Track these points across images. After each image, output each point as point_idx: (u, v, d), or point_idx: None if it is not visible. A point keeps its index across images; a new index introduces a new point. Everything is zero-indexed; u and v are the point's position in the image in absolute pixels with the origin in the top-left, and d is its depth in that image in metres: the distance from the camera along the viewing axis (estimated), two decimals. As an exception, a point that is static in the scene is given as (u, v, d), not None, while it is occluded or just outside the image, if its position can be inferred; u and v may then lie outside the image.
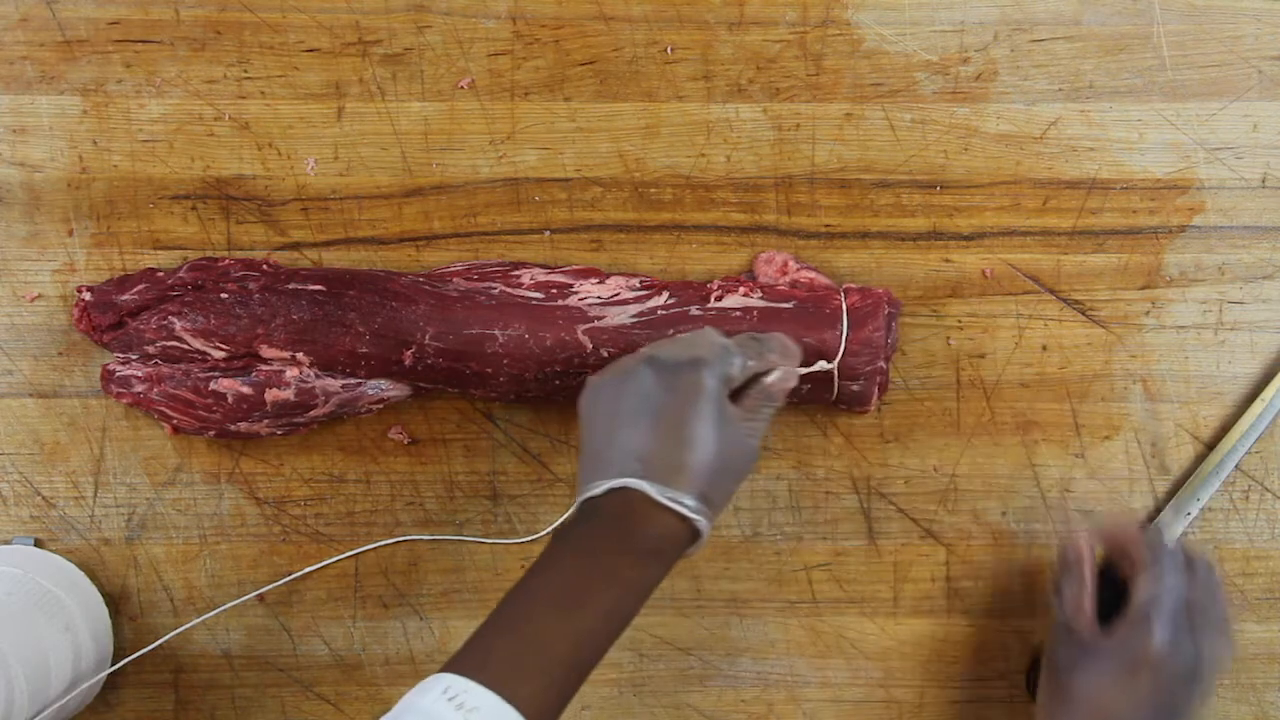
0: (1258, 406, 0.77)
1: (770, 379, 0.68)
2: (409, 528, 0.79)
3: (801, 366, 0.71)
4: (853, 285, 0.76)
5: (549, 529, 0.79)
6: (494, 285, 0.75)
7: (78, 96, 0.77)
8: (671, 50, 0.77)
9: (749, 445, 0.67)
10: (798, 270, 0.76)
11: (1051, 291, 0.78)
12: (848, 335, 0.73)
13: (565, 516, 0.65)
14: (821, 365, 0.72)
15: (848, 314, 0.73)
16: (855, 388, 0.74)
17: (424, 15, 0.77)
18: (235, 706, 0.79)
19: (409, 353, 0.73)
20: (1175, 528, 0.77)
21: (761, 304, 0.74)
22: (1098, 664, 0.66)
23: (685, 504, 0.62)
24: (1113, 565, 0.70)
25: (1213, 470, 0.77)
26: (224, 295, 0.73)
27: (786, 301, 0.74)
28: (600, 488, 0.63)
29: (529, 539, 0.79)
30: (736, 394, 0.67)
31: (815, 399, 0.75)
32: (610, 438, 0.65)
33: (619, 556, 0.61)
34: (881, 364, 0.74)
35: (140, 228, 0.77)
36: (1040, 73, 0.78)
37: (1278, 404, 0.76)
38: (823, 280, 0.76)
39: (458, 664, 0.58)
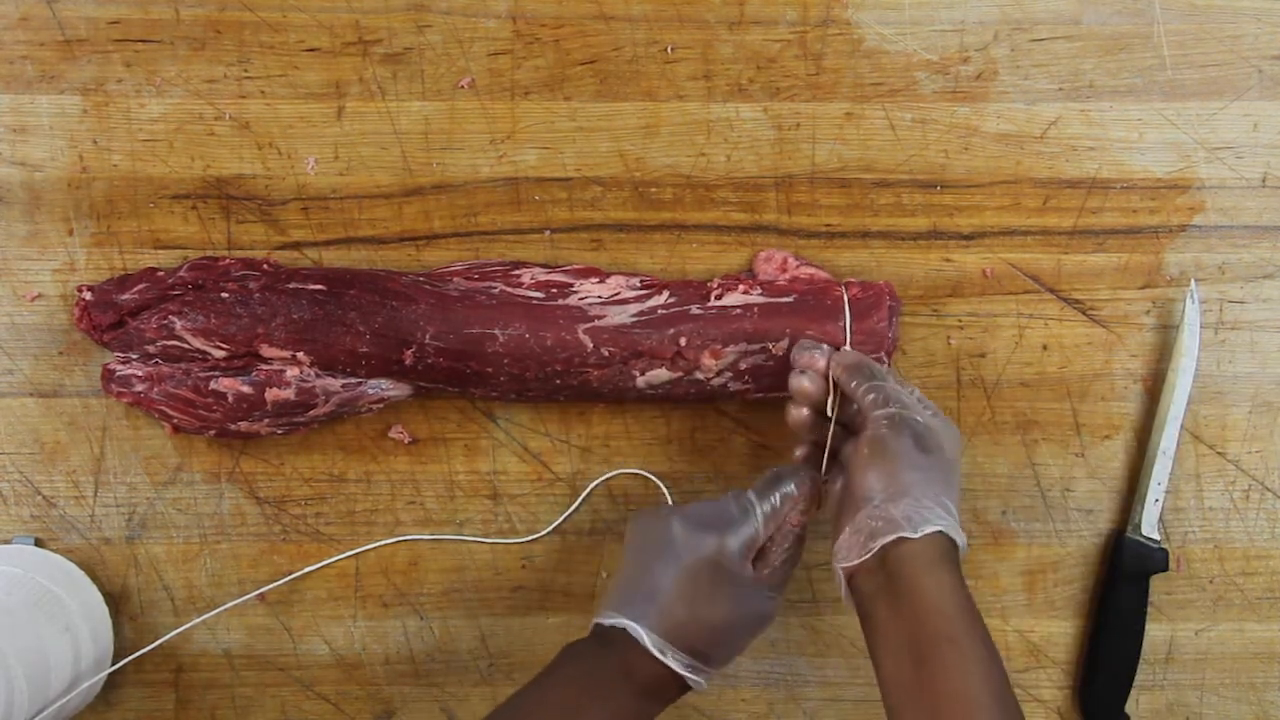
0: (1173, 377, 0.77)
1: (789, 518, 0.69)
2: (409, 527, 0.79)
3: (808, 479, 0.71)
4: (853, 279, 0.76)
5: (549, 528, 0.79)
6: (494, 285, 0.75)
7: (78, 96, 0.77)
8: (672, 50, 0.77)
9: (763, 609, 0.68)
10: (797, 267, 0.76)
11: (1052, 291, 0.78)
12: (852, 326, 0.73)
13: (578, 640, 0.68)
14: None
15: (850, 306, 0.73)
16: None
17: (424, 15, 0.77)
18: (235, 706, 0.79)
19: (409, 352, 0.73)
20: (1150, 516, 0.77)
21: (762, 300, 0.74)
22: (860, 459, 0.67)
23: (678, 660, 0.65)
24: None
25: (1160, 449, 0.77)
26: (224, 295, 0.73)
27: (787, 296, 0.74)
28: (609, 620, 0.66)
29: (529, 539, 0.79)
30: (763, 549, 0.69)
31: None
32: (633, 577, 0.68)
33: (618, 684, 0.65)
34: (884, 357, 0.74)
35: (140, 227, 0.77)
36: (1040, 72, 0.78)
37: (1191, 367, 0.76)
38: (823, 275, 0.76)
39: None
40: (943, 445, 0.66)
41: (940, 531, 0.63)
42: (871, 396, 0.68)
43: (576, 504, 0.78)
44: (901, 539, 0.63)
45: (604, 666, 0.65)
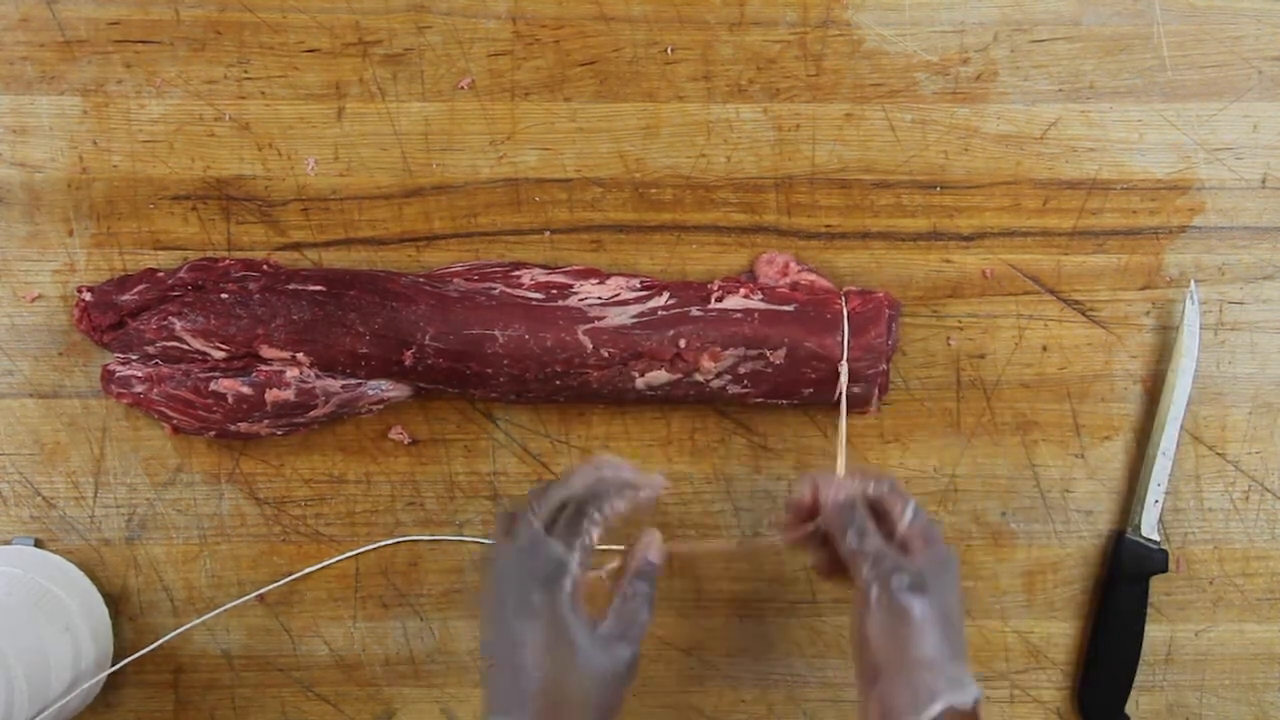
0: (1172, 378, 0.77)
1: (634, 560, 0.65)
2: (409, 528, 0.79)
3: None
4: (853, 289, 0.76)
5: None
6: (494, 285, 0.75)
7: (78, 96, 0.77)
8: (672, 50, 0.77)
9: (608, 655, 0.62)
10: (798, 272, 0.76)
11: (1052, 292, 0.78)
12: (850, 341, 0.73)
13: None
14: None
15: (849, 319, 0.73)
16: (856, 390, 0.74)
17: (424, 15, 0.77)
18: (235, 706, 0.79)
19: (409, 353, 0.73)
20: (1150, 517, 0.77)
21: (762, 306, 0.74)
22: (860, 616, 0.65)
23: None
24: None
25: (1160, 449, 0.77)
26: (224, 295, 0.73)
27: (787, 304, 0.74)
28: None
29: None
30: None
31: (816, 400, 0.75)
32: (493, 678, 0.63)
33: None
34: (883, 366, 0.74)
35: (140, 228, 0.77)
36: (1040, 73, 0.78)
37: (1190, 368, 0.76)
38: (823, 283, 0.76)
39: None
40: (933, 598, 0.64)
41: (948, 707, 0.62)
42: (854, 560, 0.65)
43: None
44: None
45: None
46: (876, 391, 0.75)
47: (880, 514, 0.67)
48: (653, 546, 0.67)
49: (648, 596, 0.65)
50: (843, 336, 0.73)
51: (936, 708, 0.62)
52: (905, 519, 0.67)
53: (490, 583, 0.64)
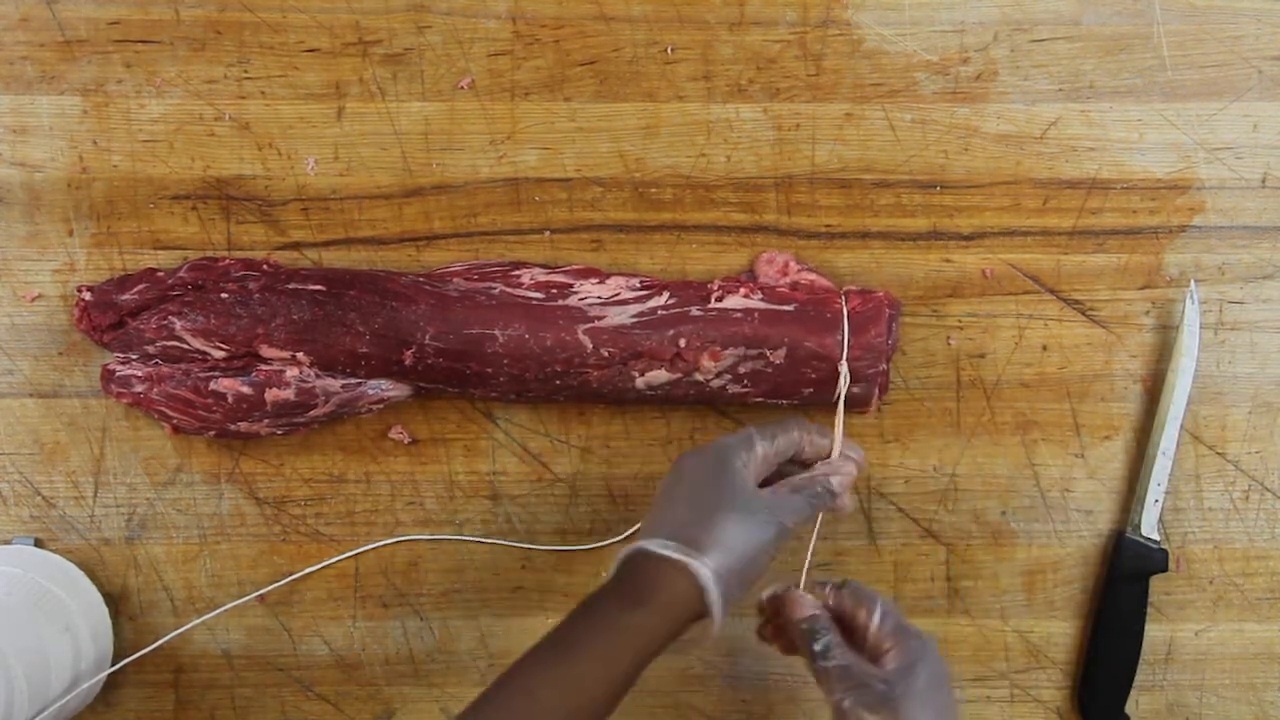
0: (1172, 378, 0.77)
1: (817, 474, 0.69)
2: (409, 528, 0.79)
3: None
4: (853, 288, 0.76)
5: (548, 548, 0.79)
6: (494, 285, 0.75)
7: (78, 96, 0.77)
8: (671, 50, 0.77)
9: (765, 526, 0.65)
10: (798, 271, 0.76)
11: (1052, 291, 0.78)
12: (850, 340, 0.73)
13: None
14: (841, 382, 0.73)
15: (849, 318, 0.73)
16: (856, 389, 0.74)
17: (424, 15, 0.77)
18: (235, 706, 0.79)
19: (409, 353, 0.73)
20: (1150, 516, 0.77)
21: (762, 305, 0.74)
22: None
23: (687, 553, 0.62)
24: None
25: (1159, 449, 0.77)
26: (224, 295, 0.73)
27: (787, 304, 0.74)
28: (618, 558, 0.65)
29: (570, 548, 0.79)
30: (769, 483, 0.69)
31: (816, 400, 0.75)
32: (644, 519, 0.68)
33: (617, 608, 0.62)
34: (883, 365, 0.74)
35: (140, 228, 0.77)
36: (1040, 73, 0.78)
37: (1190, 368, 0.76)
38: (823, 282, 0.76)
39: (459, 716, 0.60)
40: (898, 694, 0.63)
41: None
42: (822, 679, 0.65)
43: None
44: None
45: (604, 596, 0.63)
46: (876, 391, 0.75)
47: (848, 619, 0.68)
48: (834, 490, 0.70)
49: (802, 509, 0.68)
50: (843, 336, 0.73)
51: None
52: (874, 622, 0.67)
53: (683, 457, 0.69)
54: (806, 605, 0.68)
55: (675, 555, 0.62)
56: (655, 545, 0.63)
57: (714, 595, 0.62)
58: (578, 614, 0.63)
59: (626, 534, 0.78)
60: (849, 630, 0.67)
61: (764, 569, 0.66)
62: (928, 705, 0.64)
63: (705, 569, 0.62)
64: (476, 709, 0.60)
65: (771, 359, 0.73)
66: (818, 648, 0.66)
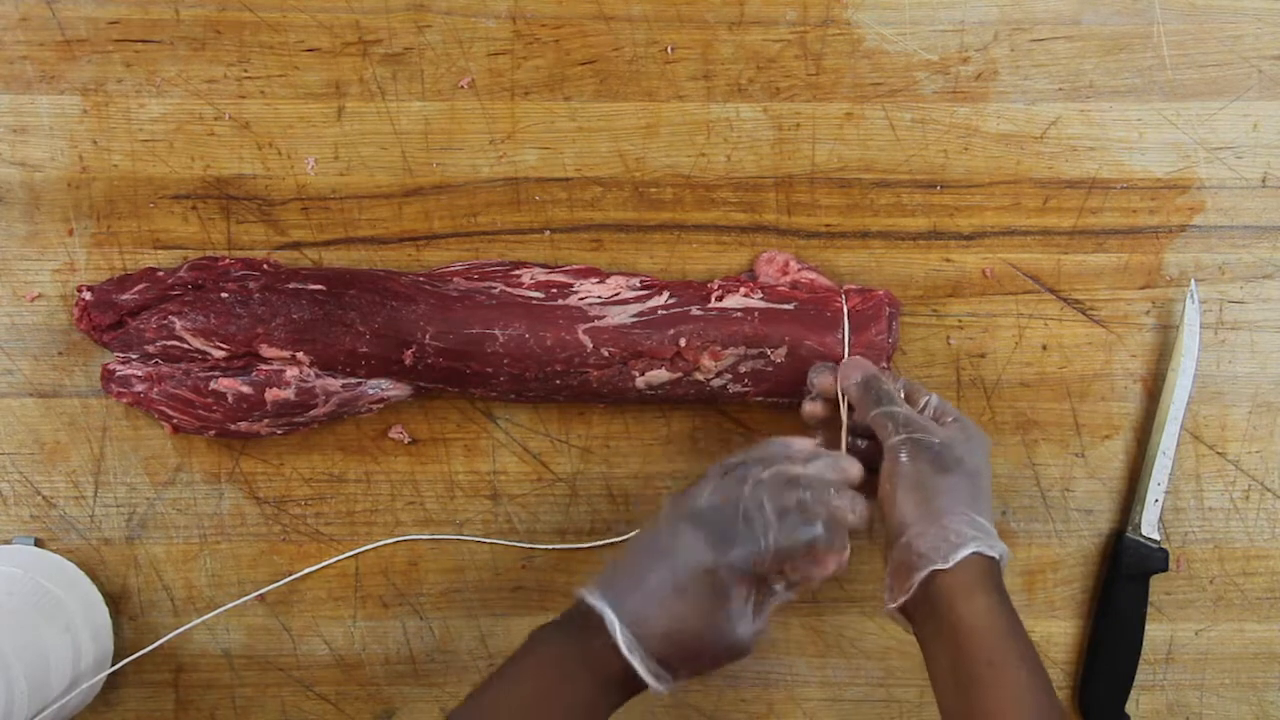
0: (1172, 378, 0.77)
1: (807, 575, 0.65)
2: (409, 528, 0.79)
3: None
4: (853, 287, 0.76)
5: (549, 547, 0.79)
6: (494, 285, 0.75)
7: (78, 96, 0.77)
8: (671, 50, 0.77)
9: (743, 639, 0.63)
10: (799, 271, 0.76)
11: (1052, 291, 0.78)
12: (850, 340, 0.73)
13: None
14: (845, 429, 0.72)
15: (849, 317, 0.73)
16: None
17: (424, 15, 0.77)
18: (235, 706, 0.79)
19: (409, 352, 0.73)
20: (1150, 516, 0.77)
21: (762, 304, 0.74)
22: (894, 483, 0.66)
23: (644, 664, 0.61)
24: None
25: (1160, 449, 0.77)
26: (224, 295, 0.73)
27: (788, 303, 0.74)
28: (591, 598, 0.63)
29: (550, 548, 0.79)
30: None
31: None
32: (629, 563, 0.64)
33: (580, 673, 0.62)
34: (884, 364, 0.74)
35: (140, 227, 0.77)
36: (1040, 72, 0.78)
37: (1190, 368, 0.76)
38: (823, 281, 0.76)
39: None
40: (962, 458, 0.66)
41: (974, 553, 0.63)
42: (883, 423, 0.67)
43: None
44: (936, 571, 0.63)
45: (569, 655, 0.62)
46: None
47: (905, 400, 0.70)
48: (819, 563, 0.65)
49: (793, 594, 0.65)
50: (843, 334, 0.73)
51: (965, 551, 0.63)
52: (933, 402, 0.70)
53: (682, 515, 0.64)
54: (865, 366, 0.70)
55: (642, 673, 0.61)
56: (626, 646, 0.61)
57: (663, 693, 0.62)
58: (547, 662, 0.63)
59: (626, 536, 0.78)
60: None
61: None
62: (982, 472, 0.67)
63: (663, 688, 0.62)
64: None
65: (772, 358, 0.73)
66: (884, 394, 0.68)
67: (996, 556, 0.64)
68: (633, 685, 0.63)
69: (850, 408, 0.71)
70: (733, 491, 0.64)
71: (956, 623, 0.62)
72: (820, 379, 0.72)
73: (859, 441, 0.72)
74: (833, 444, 0.71)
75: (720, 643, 0.63)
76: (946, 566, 0.63)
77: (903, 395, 0.70)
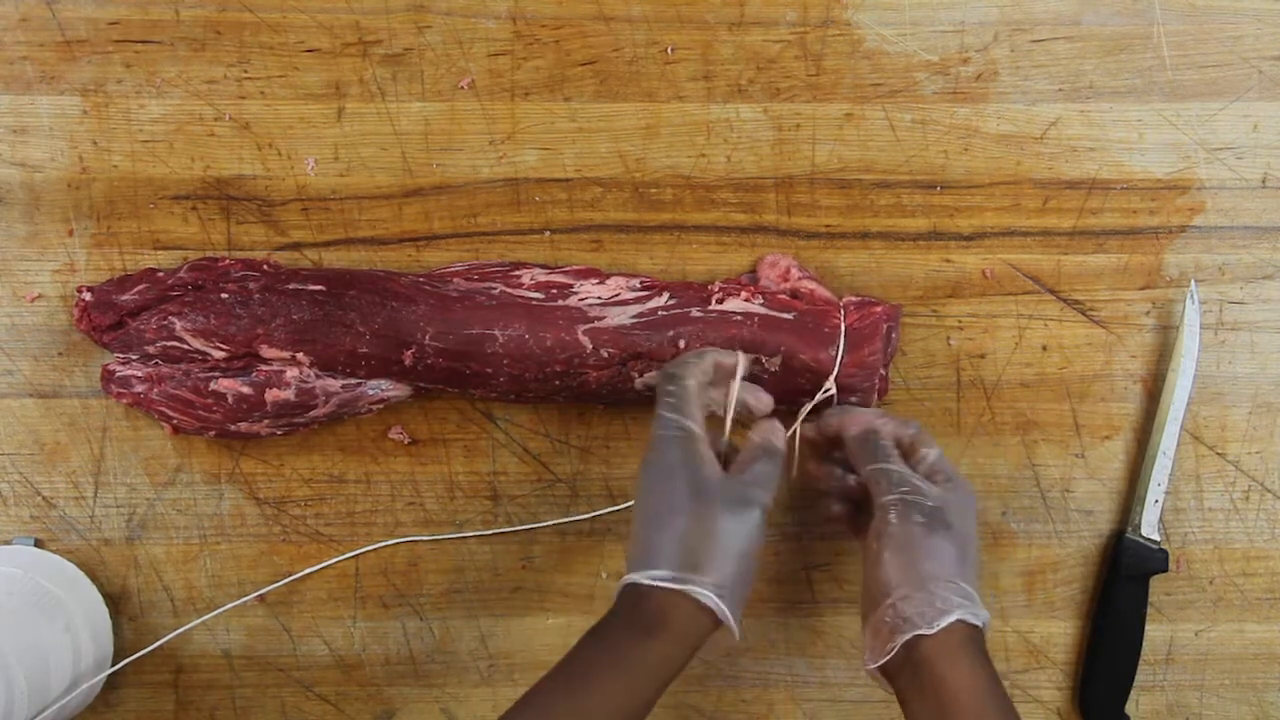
0: (1172, 378, 0.77)
1: (756, 437, 0.69)
2: (409, 528, 0.79)
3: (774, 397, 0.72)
4: (852, 299, 0.75)
5: (549, 523, 0.79)
6: (494, 285, 0.75)
7: (78, 96, 0.77)
8: (671, 50, 0.77)
9: (749, 512, 0.65)
10: (799, 279, 0.76)
11: (1052, 291, 0.78)
12: (844, 358, 0.73)
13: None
14: (823, 393, 0.73)
15: (846, 335, 0.73)
16: (854, 399, 0.74)
17: (424, 15, 0.77)
18: (235, 706, 0.79)
19: (409, 353, 0.73)
20: (1150, 517, 0.77)
21: (762, 310, 0.74)
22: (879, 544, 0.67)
23: (682, 580, 0.63)
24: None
25: (1160, 449, 0.77)
26: (224, 295, 0.73)
27: (787, 312, 0.74)
28: (616, 589, 0.65)
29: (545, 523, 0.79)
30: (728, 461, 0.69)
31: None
32: (629, 541, 0.67)
33: (627, 640, 0.63)
34: (881, 372, 0.74)
35: (140, 228, 0.77)
36: (1040, 73, 0.78)
37: (1190, 368, 0.76)
38: (823, 293, 0.76)
39: None
40: (953, 524, 0.66)
41: (959, 620, 0.63)
42: (877, 480, 0.68)
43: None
44: (920, 635, 0.63)
45: (614, 628, 0.63)
46: (875, 396, 0.74)
47: (904, 452, 0.70)
48: (775, 432, 0.69)
49: (770, 471, 0.68)
50: (838, 351, 0.73)
51: (951, 618, 0.63)
52: (930, 459, 0.70)
53: (642, 471, 0.67)
54: (869, 419, 0.71)
55: (677, 587, 0.63)
56: (652, 579, 0.63)
57: (726, 612, 0.63)
58: (589, 645, 0.64)
59: (624, 505, 0.78)
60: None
61: (759, 552, 0.66)
62: (969, 537, 0.67)
63: (711, 594, 0.63)
64: None
65: (767, 366, 0.73)
66: (879, 450, 0.69)
67: (980, 625, 0.64)
68: (678, 625, 0.63)
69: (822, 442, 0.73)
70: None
71: (939, 686, 0.62)
72: (830, 422, 0.72)
73: (849, 478, 0.73)
74: (824, 476, 0.74)
75: (721, 516, 0.64)
76: (930, 632, 0.63)
77: (910, 440, 0.70)
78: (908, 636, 0.63)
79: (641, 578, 0.63)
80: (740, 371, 0.70)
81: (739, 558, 0.64)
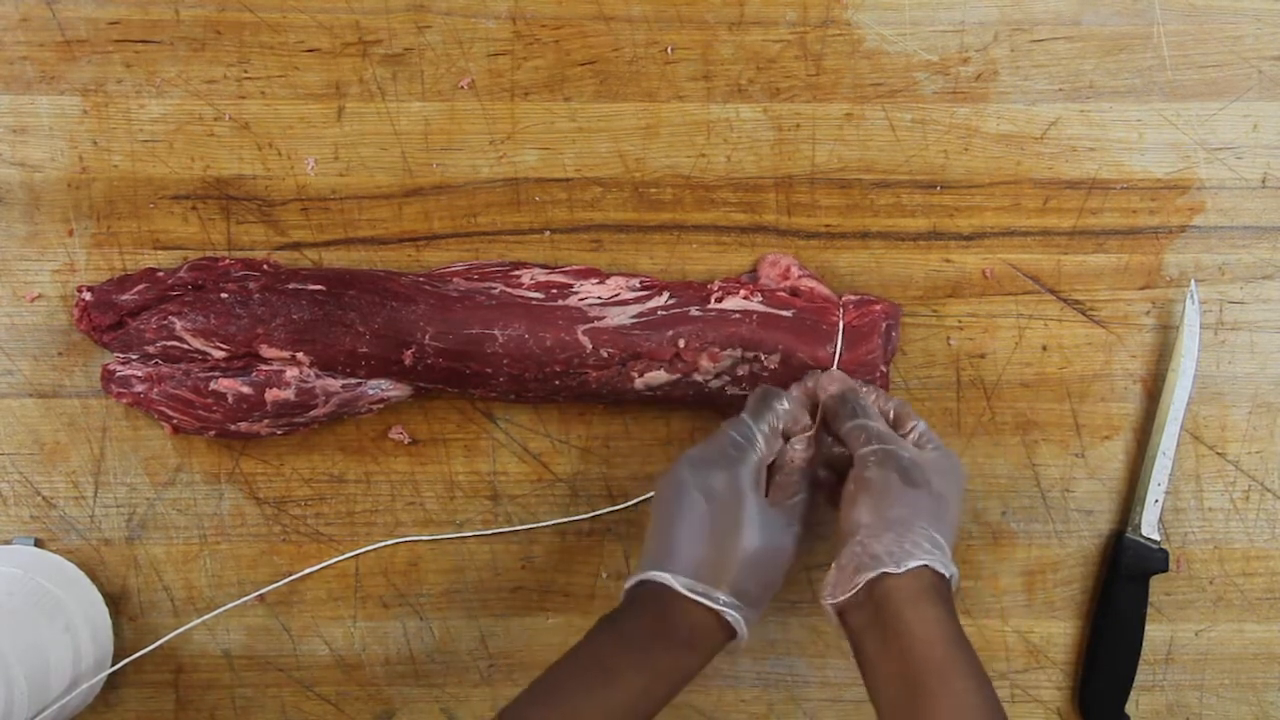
0: (1172, 378, 0.77)
1: (792, 453, 0.69)
2: (409, 528, 0.79)
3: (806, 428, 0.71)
4: (851, 298, 0.75)
5: (547, 523, 0.79)
6: (494, 285, 0.75)
7: (78, 96, 0.77)
8: (671, 50, 0.77)
9: (783, 539, 0.67)
10: (799, 277, 0.76)
11: (1052, 291, 0.78)
12: (843, 356, 0.73)
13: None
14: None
15: (844, 332, 0.73)
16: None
17: (424, 15, 0.77)
18: (235, 706, 0.79)
19: (409, 353, 0.73)
20: (1150, 517, 0.77)
21: (761, 308, 0.74)
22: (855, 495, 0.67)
23: (714, 598, 0.64)
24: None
25: (1159, 449, 0.77)
26: (224, 295, 0.73)
27: (786, 309, 0.74)
28: (635, 579, 0.66)
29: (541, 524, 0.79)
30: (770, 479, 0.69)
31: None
32: (654, 534, 0.67)
33: (652, 642, 0.63)
34: (881, 369, 0.74)
35: (140, 228, 0.77)
36: (1040, 73, 0.78)
37: (1190, 368, 0.76)
38: (823, 291, 0.76)
39: None
40: (930, 479, 0.65)
41: (926, 565, 0.63)
42: (856, 435, 0.67)
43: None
44: (885, 574, 0.62)
45: (639, 627, 0.64)
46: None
47: (892, 424, 0.70)
48: (799, 444, 0.70)
49: (807, 487, 0.69)
50: (835, 349, 0.73)
51: (919, 561, 0.62)
52: (919, 428, 0.69)
53: (678, 465, 0.67)
54: (843, 380, 0.70)
55: (716, 607, 0.64)
56: (679, 585, 0.64)
57: (744, 632, 0.65)
58: (612, 642, 0.64)
59: (632, 503, 0.78)
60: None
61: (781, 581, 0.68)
62: (949, 500, 0.66)
63: (742, 621, 0.64)
64: (520, 714, 0.62)
65: (766, 363, 0.73)
66: (860, 408, 0.68)
67: (948, 575, 0.64)
68: (713, 637, 0.65)
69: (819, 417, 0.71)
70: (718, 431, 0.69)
71: (905, 630, 0.61)
72: (806, 383, 0.72)
73: (835, 447, 0.72)
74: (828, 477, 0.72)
75: (767, 548, 0.65)
76: (897, 571, 0.62)
77: (892, 416, 0.70)
78: (873, 574, 0.62)
79: (676, 583, 0.64)
80: (800, 457, 0.70)
81: (769, 587, 0.67)
